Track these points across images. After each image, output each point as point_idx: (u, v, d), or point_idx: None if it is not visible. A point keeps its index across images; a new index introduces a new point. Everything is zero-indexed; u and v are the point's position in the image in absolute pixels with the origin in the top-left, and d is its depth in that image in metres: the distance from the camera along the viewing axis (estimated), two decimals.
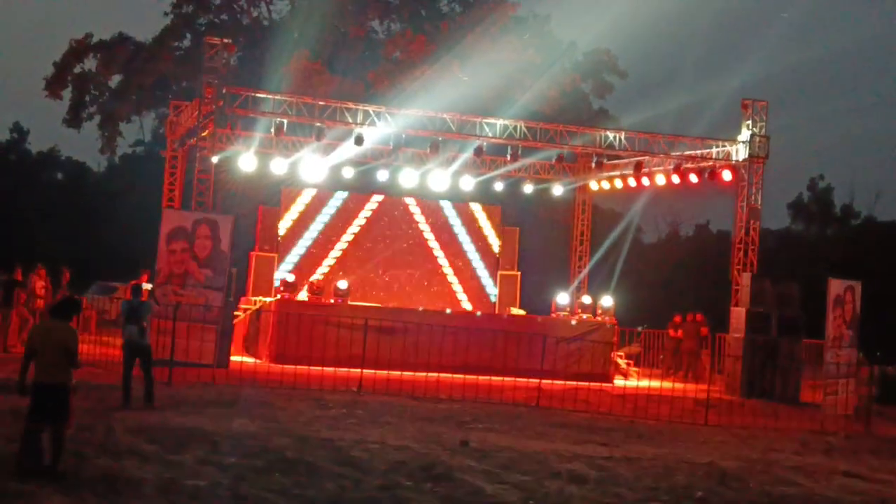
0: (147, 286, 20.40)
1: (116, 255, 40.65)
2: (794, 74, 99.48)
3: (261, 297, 25.19)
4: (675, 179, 26.58)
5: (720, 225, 54.77)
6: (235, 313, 23.56)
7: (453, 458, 12.63)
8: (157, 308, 17.59)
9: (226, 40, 24.11)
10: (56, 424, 9.94)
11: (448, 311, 25.33)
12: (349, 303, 24.23)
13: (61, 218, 48.65)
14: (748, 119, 25.58)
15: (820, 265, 42.50)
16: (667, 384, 22.61)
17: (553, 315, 25.77)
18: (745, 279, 24.39)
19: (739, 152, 25.67)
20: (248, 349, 24.51)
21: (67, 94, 40.91)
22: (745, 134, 25.60)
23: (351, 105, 24.81)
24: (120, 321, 16.60)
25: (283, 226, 27.43)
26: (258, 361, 22.74)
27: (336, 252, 27.87)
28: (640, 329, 29.15)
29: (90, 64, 40.97)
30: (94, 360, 19.30)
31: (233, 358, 21.82)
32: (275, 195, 29.28)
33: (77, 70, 40.76)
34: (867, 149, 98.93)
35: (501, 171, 28.60)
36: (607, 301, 25.94)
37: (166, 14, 41.52)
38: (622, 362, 26.35)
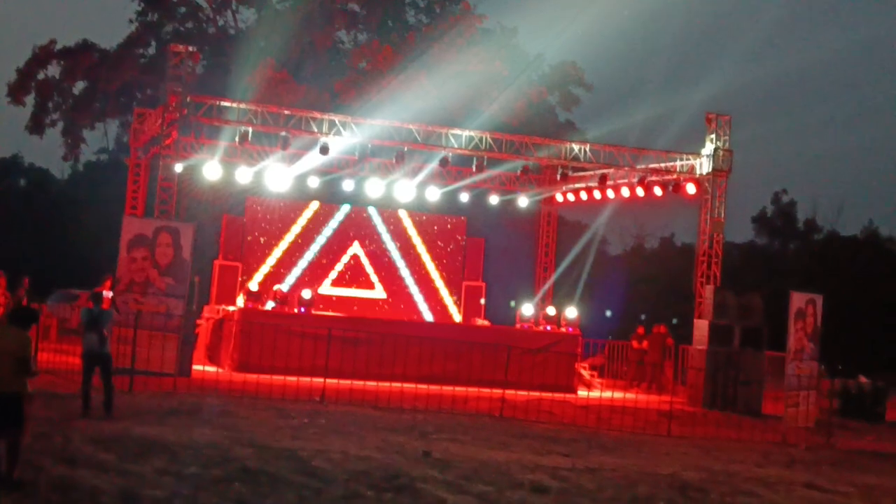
0: (108, 294, 20.20)
1: (79, 263, 40.27)
2: (758, 89, 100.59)
3: (224, 306, 25.04)
4: (640, 192, 26.70)
5: (685, 238, 55.17)
6: (198, 322, 23.39)
7: (415, 468, 12.57)
8: (117, 316, 17.39)
9: (190, 48, 23.98)
10: (11, 433, 9.80)
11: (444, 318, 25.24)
12: (313, 312, 24.14)
13: (23, 225, 48.16)
14: (712, 133, 25.75)
15: (783, 279, 42.85)
16: (630, 395, 22.70)
17: (517, 326, 25.80)
18: (709, 291, 24.54)
19: (703, 166, 25.84)
20: (212, 358, 24.34)
21: (31, 100, 40.55)
22: (708, 148, 25.77)
23: (316, 114, 24.76)
24: (81, 329, 16.39)
25: (248, 234, 27.36)
26: (221, 370, 22.59)
27: (300, 261, 27.78)
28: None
29: (54, 71, 40.68)
30: (54, 369, 19.11)
31: (195, 367, 21.65)
32: (239, 204, 29.16)
33: (40, 77, 40.42)
34: (830, 164, 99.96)
35: (467, 182, 28.62)
36: (571, 312, 26.01)
37: (131, 22, 41.43)
38: (586, 373, 26.40)
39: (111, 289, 21.24)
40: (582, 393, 24.24)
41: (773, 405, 23.12)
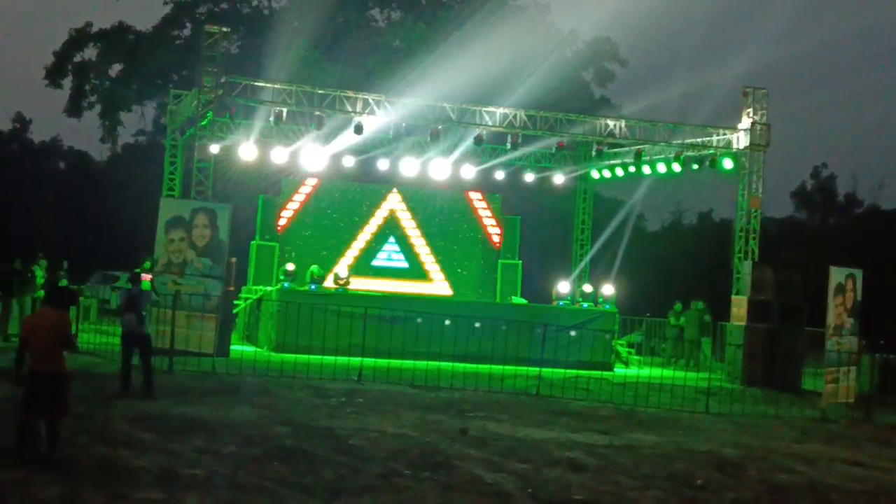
0: (147, 277, 20.36)
1: (119, 244, 40.60)
2: (797, 61, 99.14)
3: (262, 286, 25.17)
4: (676, 167, 26.50)
5: (723, 213, 54.71)
6: (235, 302, 23.54)
7: (452, 446, 12.61)
8: (154, 297, 17.55)
9: (224, 29, 24.04)
10: (51, 413, 9.90)
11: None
12: (350, 291, 24.20)
13: (63, 207, 48.59)
14: (749, 107, 25.49)
15: (823, 253, 42.37)
16: (668, 372, 22.60)
17: (554, 303, 25.74)
18: (747, 267, 24.35)
19: (740, 140, 25.59)
20: (250, 338, 24.52)
21: (68, 83, 40.89)
22: (745, 122, 25.52)
23: (350, 94, 24.75)
24: (120, 310, 16.54)
25: (285, 215, 27.49)
26: (259, 350, 22.73)
27: (334, 241, 27.85)
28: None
29: (90, 53, 41.00)
30: (94, 349, 19.33)
31: (234, 347, 21.82)
32: (275, 184, 29.26)
33: (77, 59, 40.74)
34: (871, 136, 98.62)
35: (502, 159, 28.53)
36: (608, 289, 25.90)
37: (166, 3, 41.56)
38: (623, 350, 26.32)
39: (150, 270, 21.42)
40: (619, 370, 24.19)
41: (812, 381, 22.94)
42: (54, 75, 40.65)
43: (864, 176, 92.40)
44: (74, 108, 41.34)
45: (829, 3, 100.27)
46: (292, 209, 27.66)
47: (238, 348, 22.28)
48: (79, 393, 12.66)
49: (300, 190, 27.76)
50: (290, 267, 24.90)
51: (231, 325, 22.20)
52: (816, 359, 23.21)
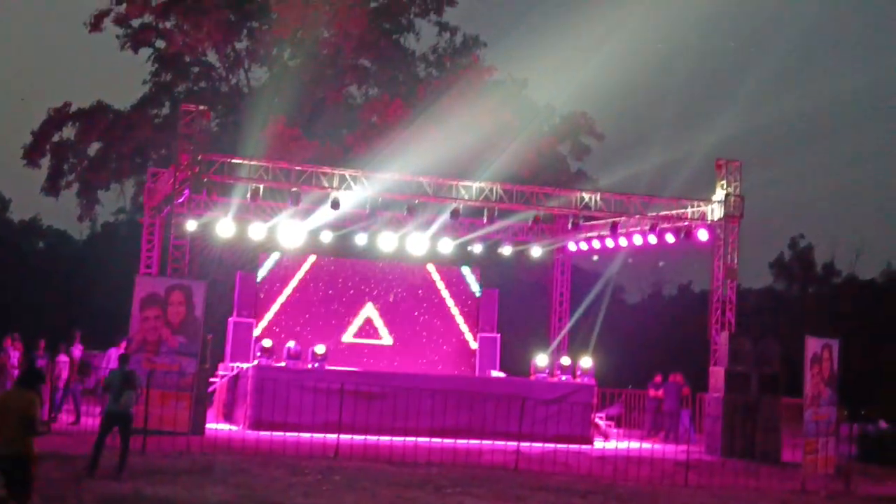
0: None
1: (97, 323, 40.36)
2: (772, 131, 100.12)
3: (239, 363, 25.03)
4: (652, 240, 26.64)
5: (703, 285, 54.95)
6: (212, 380, 23.39)
7: None
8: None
9: (201, 107, 24.20)
10: (17, 496, 9.76)
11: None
12: (326, 367, 24.09)
13: (42, 286, 48.39)
14: (722, 179, 25.76)
15: (802, 323, 42.54)
16: (647, 445, 22.50)
17: (532, 377, 25.68)
18: (723, 338, 24.41)
19: (715, 212, 25.81)
20: (227, 416, 24.31)
21: (46, 162, 40.87)
22: (719, 194, 25.76)
23: (327, 170, 24.88)
24: (101, 391, 16.27)
25: (261, 291, 27.48)
26: (235, 428, 22.54)
27: (312, 316, 27.82)
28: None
29: (69, 132, 41.03)
30: (68, 430, 19.13)
31: (210, 425, 21.63)
32: (253, 260, 29.25)
33: (55, 139, 40.78)
34: (848, 206, 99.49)
35: (479, 233, 28.62)
36: (587, 362, 25.89)
37: (145, 82, 41.78)
38: (602, 423, 26.20)
39: (126, 349, 21.28)
40: (598, 444, 24.06)
41: (791, 452, 22.87)
42: (32, 155, 40.62)
43: (842, 246, 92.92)
44: (52, 187, 41.24)
45: (803, 71, 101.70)
46: (269, 285, 27.64)
47: (214, 426, 22.08)
48: (50, 475, 12.53)
49: (276, 266, 27.79)
50: (267, 343, 24.81)
51: (206, 402, 22.03)
52: (796, 429, 23.19)
